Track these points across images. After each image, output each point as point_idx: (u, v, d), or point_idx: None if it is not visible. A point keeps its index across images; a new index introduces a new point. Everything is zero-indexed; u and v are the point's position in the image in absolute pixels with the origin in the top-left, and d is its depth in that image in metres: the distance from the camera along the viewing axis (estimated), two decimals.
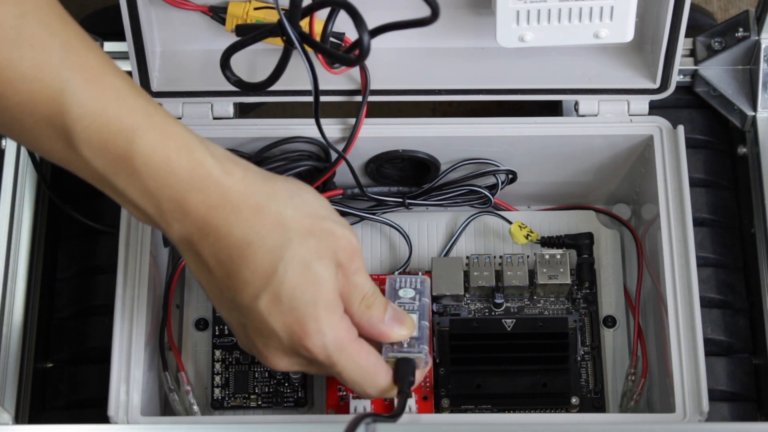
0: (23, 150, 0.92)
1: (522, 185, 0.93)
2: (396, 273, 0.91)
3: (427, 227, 0.95)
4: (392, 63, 0.89)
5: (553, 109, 1.00)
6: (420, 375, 0.79)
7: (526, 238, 0.91)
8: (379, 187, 0.92)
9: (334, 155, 0.88)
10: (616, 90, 0.89)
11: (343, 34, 0.87)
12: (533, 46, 0.85)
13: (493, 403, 0.86)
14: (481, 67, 0.89)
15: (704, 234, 0.91)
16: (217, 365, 0.90)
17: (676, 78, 0.88)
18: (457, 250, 0.94)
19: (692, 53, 0.95)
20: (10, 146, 0.92)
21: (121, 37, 0.86)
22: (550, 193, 0.96)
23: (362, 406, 0.83)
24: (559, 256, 0.89)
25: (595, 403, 0.88)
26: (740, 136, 0.94)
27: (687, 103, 0.96)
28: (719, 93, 0.94)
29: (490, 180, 0.91)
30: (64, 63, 0.65)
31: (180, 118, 0.89)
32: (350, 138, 0.87)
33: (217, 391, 0.89)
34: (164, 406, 0.89)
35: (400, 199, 0.91)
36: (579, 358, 0.89)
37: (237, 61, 0.83)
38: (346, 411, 0.84)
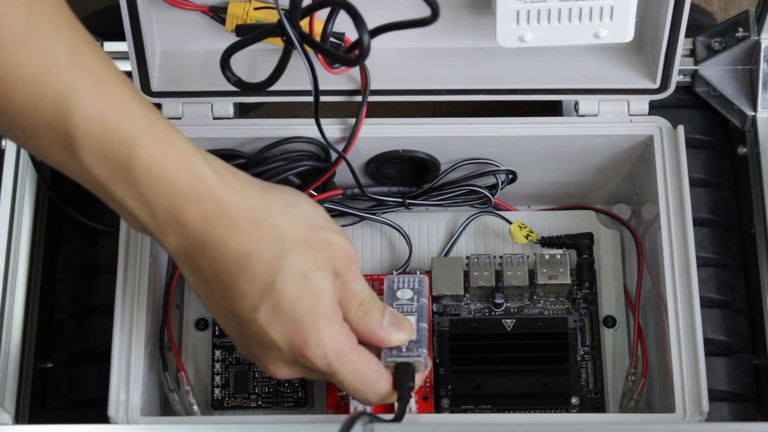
0: (23, 150, 0.92)
1: (522, 185, 0.93)
2: (395, 273, 0.91)
3: (427, 227, 0.95)
4: (392, 63, 0.89)
5: (553, 109, 1.00)
6: (420, 378, 0.79)
7: (526, 238, 0.91)
8: (379, 187, 0.92)
9: (334, 155, 0.88)
10: (616, 90, 0.89)
11: (343, 34, 0.87)
12: (533, 46, 0.85)
13: (493, 403, 0.86)
14: (481, 67, 0.89)
15: (704, 234, 0.91)
16: (217, 365, 0.90)
17: (676, 78, 0.88)
18: (457, 250, 0.94)
19: (692, 53, 0.95)
20: (10, 146, 0.92)
21: (121, 37, 0.86)
22: (550, 193, 0.96)
23: (362, 405, 0.83)
24: (559, 256, 0.89)
25: (595, 403, 0.88)
26: (740, 136, 0.94)
27: (687, 103, 0.96)
28: (719, 93, 0.94)
29: (490, 180, 0.91)
30: (70, 67, 0.65)
31: (180, 118, 0.89)
32: (350, 138, 0.87)
33: (217, 391, 0.89)
34: (164, 406, 0.89)
35: (400, 199, 0.91)
36: (579, 358, 0.89)
37: (237, 61, 0.83)
38: (346, 411, 0.84)
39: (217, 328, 0.91)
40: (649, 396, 0.88)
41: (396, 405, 0.77)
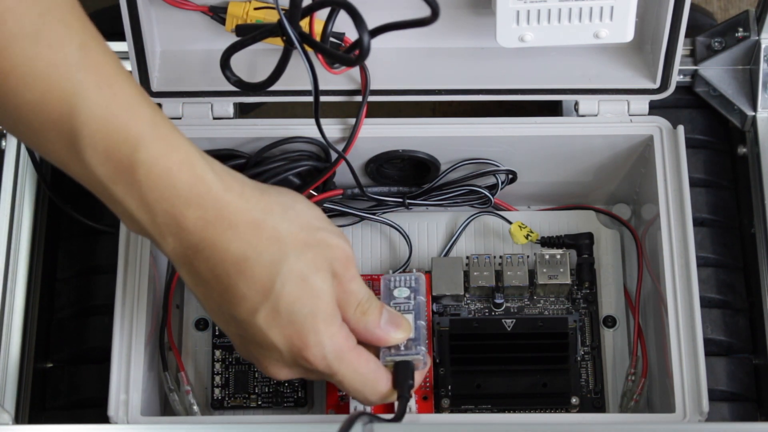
0: (23, 150, 0.92)
1: (522, 185, 0.93)
2: (390, 272, 0.91)
3: (427, 227, 0.95)
4: (392, 63, 0.89)
5: (553, 109, 1.00)
6: (420, 376, 0.79)
7: (526, 238, 0.91)
8: (379, 187, 0.92)
9: (334, 155, 0.88)
10: (616, 90, 0.89)
11: (343, 34, 0.87)
12: (533, 46, 0.85)
13: (493, 403, 0.86)
14: (481, 67, 0.89)
15: (704, 234, 0.91)
16: (217, 365, 0.90)
17: (676, 78, 0.88)
18: (457, 250, 0.94)
19: (692, 53, 0.95)
20: (10, 146, 0.92)
21: (121, 37, 0.86)
22: (550, 193, 0.96)
23: (363, 405, 0.83)
24: (559, 256, 0.89)
25: (595, 403, 0.88)
26: (740, 136, 0.94)
27: (687, 103, 0.96)
28: (719, 93, 0.94)
29: (490, 180, 0.91)
30: (79, 65, 0.65)
31: (180, 118, 0.89)
32: (350, 138, 0.87)
33: (217, 391, 0.89)
34: (164, 406, 0.89)
35: (400, 199, 0.91)
36: (579, 358, 0.89)
37: (237, 61, 0.83)
38: (346, 411, 0.84)
39: (217, 328, 0.91)
40: (649, 396, 0.88)
41: (396, 404, 0.77)
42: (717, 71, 0.94)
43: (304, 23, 0.81)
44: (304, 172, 0.89)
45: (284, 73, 0.82)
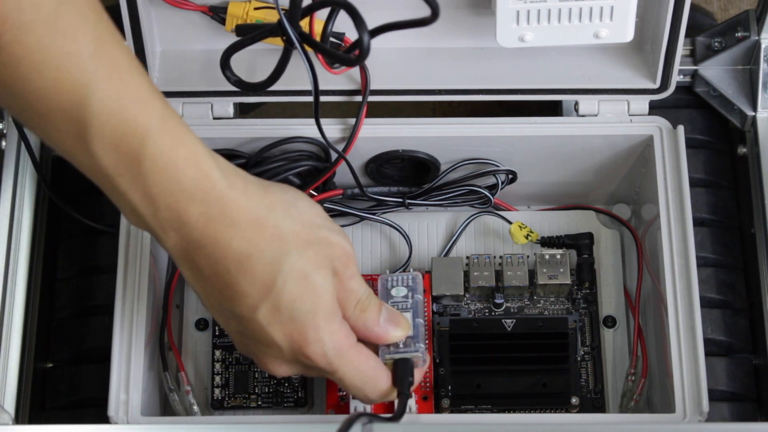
0: (23, 150, 0.92)
1: (522, 185, 0.93)
2: (387, 272, 0.91)
3: (427, 227, 0.95)
4: (392, 63, 0.89)
5: (553, 109, 1.00)
6: (419, 373, 0.79)
7: (526, 238, 0.91)
8: (379, 187, 0.92)
9: (334, 155, 0.88)
10: (616, 90, 0.89)
11: (343, 34, 0.87)
12: (533, 46, 0.85)
13: (493, 403, 0.86)
14: (481, 67, 0.89)
15: (704, 234, 0.91)
16: (217, 365, 0.90)
17: (676, 78, 0.88)
18: (457, 250, 0.94)
19: (692, 53, 0.95)
20: (10, 146, 0.92)
21: None
22: (550, 193, 0.96)
23: (362, 405, 0.83)
24: (559, 256, 0.89)
25: (595, 403, 0.88)
26: (740, 136, 0.94)
27: (687, 103, 0.96)
28: (719, 93, 0.94)
29: (490, 180, 0.91)
30: (92, 56, 0.65)
31: None
32: (350, 138, 0.87)
33: (217, 391, 0.89)
34: (164, 406, 0.89)
35: (400, 199, 0.91)
36: (579, 358, 0.89)
37: (237, 61, 0.83)
38: (346, 411, 0.84)
39: (217, 328, 0.91)
40: (649, 396, 0.88)
41: (396, 402, 0.77)
42: (717, 71, 0.94)
43: (304, 23, 0.81)
44: (304, 172, 0.89)
45: (284, 73, 0.82)
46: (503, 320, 0.88)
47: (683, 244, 0.84)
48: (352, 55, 0.80)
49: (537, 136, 0.89)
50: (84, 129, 0.66)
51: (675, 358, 0.81)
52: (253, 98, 0.89)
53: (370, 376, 0.75)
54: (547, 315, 0.91)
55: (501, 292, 0.90)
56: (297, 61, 0.81)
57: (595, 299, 0.91)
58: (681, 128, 0.88)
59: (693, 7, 0.86)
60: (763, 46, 0.93)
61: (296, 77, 0.84)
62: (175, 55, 0.90)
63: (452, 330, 0.88)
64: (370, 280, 0.90)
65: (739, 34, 0.93)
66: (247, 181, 0.72)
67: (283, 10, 0.79)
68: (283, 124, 0.88)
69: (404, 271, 0.92)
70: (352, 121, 0.88)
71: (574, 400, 0.86)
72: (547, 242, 0.92)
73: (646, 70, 0.89)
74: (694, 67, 0.94)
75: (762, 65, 0.92)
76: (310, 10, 0.80)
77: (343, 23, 0.82)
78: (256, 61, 0.88)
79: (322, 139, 0.87)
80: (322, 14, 0.83)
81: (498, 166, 0.91)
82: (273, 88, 0.83)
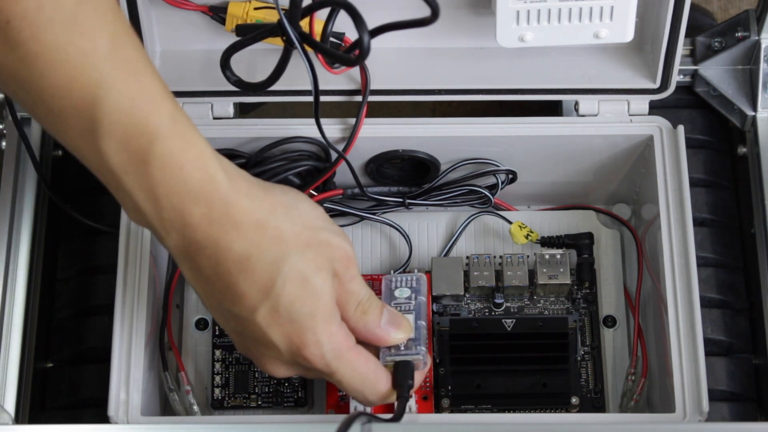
0: (23, 150, 0.92)
1: (522, 185, 0.93)
2: (392, 272, 0.91)
3: (427, 227, 0.95)
4: (392, 63, 0.89)
5: (553, 109, 1.00)
6: (420, 376, 0.79)
7: (526, 238, 0.91)
8: (379, 187, 0.92)
9: (334, 155, 0.88)
10: (616, 90, 0.89)
11: (343, 34, 0.87)
12: (533, 46, 0.85)
13: (493, 403, 0.86)
14: (481, 67, 0.89)
15: (704, 234, 0.91)
16: (217, 365, 0.90)
17: (676, 78, 0.88)
18: (457, 250, 0.94)
19: (692, 53, 0.95)
20: (10, 146, 0.92)
21: None
22: (550, 193, 0.96)
23: (362, 405, 0.83)
24: (559, 256, 0.89)
25: (595, 403, 0.88)
26: (740, 136, 0.94)
27: (687, 103, 0.96)
28: (719, 93, 0.94)
29: (490, 180, 0.91)
30: (108, 56, 0.65)
31: None
32: (350, 138, 0.87)
33: (217, 391, 0.89)
34: (164, 406, 0.89)
35: (400, 199, 0.91)
36: (579, 358, 0.89)
37: (237, 61, 0.83)
38: (346, 411, 0.84)
39: (217, 328, 0.91)
40: (649, 396, 0.88)
41: (395, 404, 0.77)
42: (717, 71, 0.94)
43: (304, 23, 0.81)
44: (304, 172, 0.89)
45: (284, 73, 0.82)
46: (503, 320, 0.88)
47: (683, 244, 0.84)
48: (352, 55, 0.80)
49: (537, 136, 0.89)
50: (94, 126, 0.66)
51: (675, 358, 0.81)
52: (253, 98, 0.89)
53: (369, 378, 0.75)
54: (547, 315, 0.91)
55: (501, 292, 0.90)
56: (297, 61, 0.81)
57: (595, 299, 0.91)
58: (681, 128, 0.88)
59: (693, 7, 0.86)
60: (763, 46, 0.93)
61: (296, 77, 0.84)
62: (175, 55, 0.90)
63: (452, 330, 0.88)
64: (371, 280, 0.90)
65: (739, 34, 0.93)
66: (251, 183, 0.72)
67: (283, 10, 0.79)
68: (283, 124, 0.88)
69: (404, 271, 0.92)
70: (352, 121, 0.88)
71: (574, 400, 0.86)
72: (547, 242, 0.92)
73: (646, 70, 0.89)
74: (694, 67, 0.94)
75: (762, 65, 0.92)
76: (310, 10, 0.80)
77: (343, 23, 0.82)
78: (256, 61, 0.88)
79: (322, 139, 0.87)
80: (322, 14, 0.83)
81: (498, 166, 0.91)
82: (273, 88, 0.83)
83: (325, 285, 0.72)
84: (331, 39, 0.85)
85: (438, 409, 0.87)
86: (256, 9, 0.86)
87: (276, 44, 0.83)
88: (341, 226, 0.92)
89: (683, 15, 0.84)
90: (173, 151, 0.68)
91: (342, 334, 0.74)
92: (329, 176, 0.89)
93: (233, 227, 0.70)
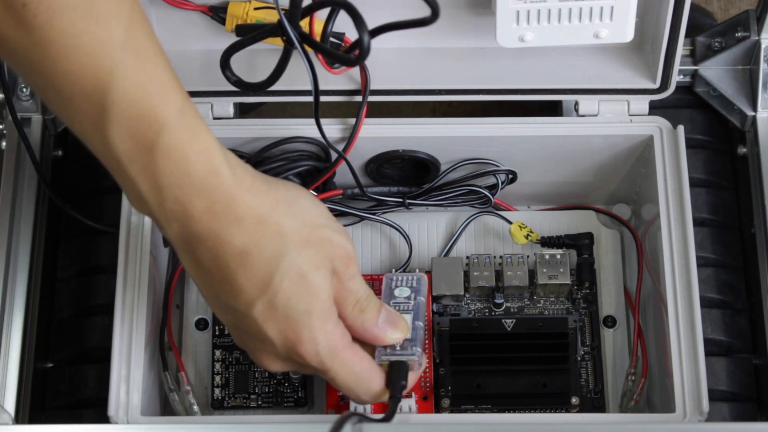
0: (23, 150, 0.92)
1: (522, 185, 0.93)
2: (394, 271, 0.91)
3: (427, 227, 0.95)
4: (392, 63, 0.89)
5: (553, 109, 1.00)
6: (414, 377, 0.79)
7: (526, 238, 0.91)
8: (379, 187, 0.92)
9: (334, 155, 0.88)
10: (616, 90, 0.89)
11: (343, 34, 0.87)
12: (533, 46, 0.85)
13: (493, 403, 0.86)
14: (481, 67, 0.89)
15: (704, 234, 0.91)
16: (217, 365, 0.90)
17: (676, 78, 0.88)
18: (457, 250, 0.94)
19: (692, 53, 0.95)
20: (9, 146, 0.92)
21: None
22: (550, 193, 0.96)
23: (363, 406, 0.83)
24: (559, 256, 0.89)
25: (595, 403, 0.88)
26: (740, 136, 0.94)
27: (687, 103, 0.96)
28: (719, 93, 0.94)
29: (490, 180, 0.91)
30: (122, 45, 0.65)
31: None
32: (350, 138, 0.87)
33: (217, 391, 0.89)
34: (164, 406, 0.89)
35: (400, 199, 0.91)
36: (579, 358, 0.89)
37: (237, 61, 0.83)
38: (347, 411, 0.84)
39: (217, 328, 0.91)
40: (649, 396, 0.88)
41: (388, 404, 0.77)
42: (717, 71, 0.94)
43: (304, 23, 0.81)
44: (304, 172, 0.89)
45: (284, 73, 0.82)
46: (503, 320, 0.88)
47: (683, 244, 0.84)
48: (352, 55, 0.80)
49: (537, 136, 0.89)
50: (103, 113, 0.66)
51: (675, 358, 0.81)
52: (253, 98, 0.90)
53: (362, 377, 0.76)
54: (547, 315, 0.91)
55: (501, 292, 0.90)
56: (297, 61, 0.81)
57: (595, 299, 0.91)
58: (681, 128, 0.88)
59: (693, 7, 0.86)
60: (763, 46, 0.93)
61: (296, 77, 0.84)
62: (175, 55, 0.89)
63: (452, 330, 0.88)
64: (371, 280, 0.90)
65: (739, 34, 0.93)
66: (254, 178, 0.72)
67: (283, 10, 0.79)
68: (283, 124, 0.88)
69: (404, 271, 0.92)
70: (352, 121, 0.88)
71: (574, 400, 0.86)
72: (547, 242, 0.92)
73: (646, 70, 0.89)
74: (694, 67, 0.94)
75: (762, 65, 0.92)
76: (310, 10, 0.80)
77: (343, 23, 0.82)
78: (256, 61, 0.88)
79: (322, 139, 0.87)
80: (322, 14, 0.83)
81: (498, 166, 0.91)
82: (273, 88, 0.83)
83: (323, 282, 0.72)
84: (331, 39, 0.85)
85: (438, 409, 0.87)
86: (256, 9, 0.86)
87: (276, 44, 0.83)
88: None
89: (683, 15, 0.84)
90: (179, 143, 0.68)
91: (338, 332, 0.74)
92: (329, 176, 0.89)
93: (234, 221, 0.70)
